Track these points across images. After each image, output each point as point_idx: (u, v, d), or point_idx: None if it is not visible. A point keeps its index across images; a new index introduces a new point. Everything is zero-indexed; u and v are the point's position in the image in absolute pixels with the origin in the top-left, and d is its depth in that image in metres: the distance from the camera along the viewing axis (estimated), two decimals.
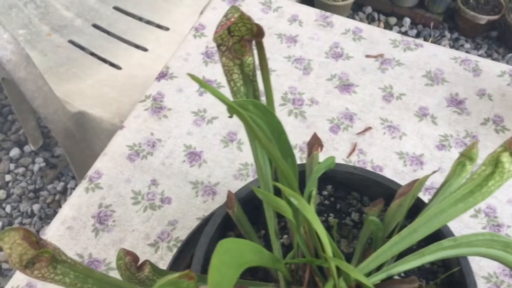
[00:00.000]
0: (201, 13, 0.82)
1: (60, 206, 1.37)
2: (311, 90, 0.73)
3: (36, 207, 1.36)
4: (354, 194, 0.48)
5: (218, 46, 0.39)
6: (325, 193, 0.48)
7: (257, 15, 0.82)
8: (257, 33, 0.39)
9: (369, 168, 0.66)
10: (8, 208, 1.36)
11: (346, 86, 0.74)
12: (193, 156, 0.66)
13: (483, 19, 1.78)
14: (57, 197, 1.38)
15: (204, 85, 0.33)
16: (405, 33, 1.88)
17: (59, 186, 1.40)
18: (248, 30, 0.39)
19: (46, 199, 1.38)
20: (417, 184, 0.44)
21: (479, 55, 1.82)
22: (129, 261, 0.37)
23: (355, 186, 0.48)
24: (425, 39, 1.85)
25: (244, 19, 0.38)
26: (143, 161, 0.65)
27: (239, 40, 0.40)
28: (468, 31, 1.85)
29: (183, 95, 0.72)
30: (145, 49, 1.19)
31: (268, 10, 0.82)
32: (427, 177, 0.44)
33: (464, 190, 0.40)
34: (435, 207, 0.39)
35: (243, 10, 0.81)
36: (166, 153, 0.66)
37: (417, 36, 1.87)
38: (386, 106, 0.72)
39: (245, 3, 0.83)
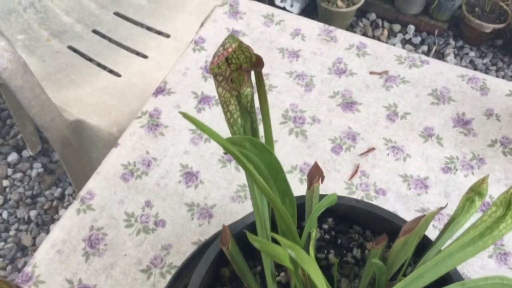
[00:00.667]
0: (202, 25, 0.79)
1: (57, 213, 1.35)
2: (313, 108, 0.71)
3: (33, 213, 1.34)
4: (356, 228, 0.46)
5: (215, 76, 0.36)
6: (325, 226, 0.45)
7: (259, 29, 0.79)
8: (256, 63, 0.36)
9: (371, 191, 0.63)
10: (5, 214, 1.34)
11: (349, 104, 0.71)
12: (190, 177, 0.63)
13: (489, 27, 1.75)
14: (54, 203, 1.36)
15: (197, 123, 0.30)
16: (409, 41, 1.85)
17: (57, 192, 1.37)
18: (247, 59, 0.37)
19: (44, 205, 1.36)
20: (422, 221, 0.41)
21: (484, 64, 1.79)
22: None
23: (358, 219, 0.45)
24: (430, 47, 1.82)
25: (243, 48, 0.35)
26: (138, 181, 0.62)
27: (237, 68, 0.38)
28: (473, 39, 1.82)
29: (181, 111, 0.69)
30: (145, 56, 1.17)
31: (270, 23, 0.80)
32: (434, 214, 0.41)
33: (473, 233, 0.37)
34: (443, 251, 0.36)
35: (244, 23, 0.79)
36: (161, 173, 0.63)
37: (422, 43, 1.84)
38: (390, 126, 0.69)
39: (247, 16, 0.80)
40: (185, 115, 0.30)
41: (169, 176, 0.63)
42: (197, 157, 0.65)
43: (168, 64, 1.08)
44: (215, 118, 0.69)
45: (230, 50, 0.34)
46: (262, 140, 0.39)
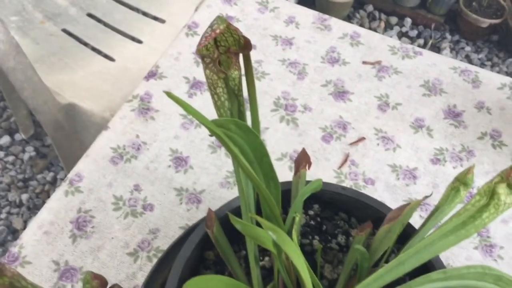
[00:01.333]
0: (196, 10, 0.78)
1: (49, 197, 1.34)
2: (304, 96, 0.71)
3: (24, 196, 1.33)
4: (341, 215, 0.46)
5: (202, 58, 0.36)
6: (311, 212, 0.45)
7: (253, 15, 0.78)
8: (245, 45, 0.36)
9: (360, 180, 0.63)
10: None
11: (341, 93, 0.71)
12: (179, 162, 0.63)
13: (485, 22, 1.75)
14: (46, 187, 1.36)
15: (183, 104, 0.30)
16: (405, 33, 1.84)
17: (49, 176, 1.37)
18: (235, 42, 0.36)
19: (35, 189, 1.35)
20: (407, 209, 0.41)
21: (479, 59, 1.79)
22: (97, 286, 0.35)
23: (343, 206, 0.45)
24: (426, 40, 1.82)
25: (231, 29, 0.35)
26: (127, 164, 0.62)
27: (225, 51, 0.37)
28: (469, 34, 1.82)
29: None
30: (139, 41, 1.16)
31: (264, 10, 0.79)
32: (418, 203, 0.41)
33: (456, 221, 0.37)
34: (425, 239, 0.37)
35: (238, 9, 0.78)
36: (151, 157, 0.63)
37: (418, 37, 1.84)
38: (381, 116, 0.69)
39: (241, 1, 0.80)
40: (170, 95, 0.30)
41: (159, 161, 0.63)
42: (187, 142, 0.65)
43: (162, 50, 1.07)
44: (206, 104, 0.68)
45: (218, 31, 0.34)
46: (250, 124, 0.39)
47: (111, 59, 1.12)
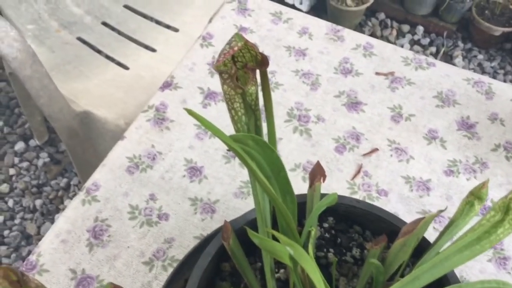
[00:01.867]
0: (210, 21, 0.79)
1: (62, 203, 1.36)
2: (318, 107, 0.71)
3: (38, 202, 1.35)
4: (356, 228, 0.46)
5: (220, 73, 0.37)
6: (326, 225, 0.46)
7: (266, 26, 0.79)
8: (262, 62, 0.37)
9: (373, 192, 0.63)
10: (10, 202, 1.35)
11: (354, 104, 0.72)
12: (194, 171, 0.64)
13: (498, 30, 1.74)
14: (60, 193, 1.37)
15: (201, 120, 0.31)
16: (418, 41, 1.84)
17: (63, 182, 1.39)
18: (253, 58, 0.37)
19: (49, 195, 1.37)
20: (422, 223, 0.42)
21: (492, 67, 1.78)
22: None
23: (358, 219, 0.46)
24: (438, 49, 1.82)
25: (249, 46, 0.36)
26: (142, 174, 0.63)
27: (243, 67, 0.38)
28: (482, 42, 1.81)
29: (186, 107, 0.70)
30: (153, 50, 1.17)
31: (278, 21, 0.80)
32: (433, 216, 0.41)
33: (471, 236, 0.37)
34: (440, 254, 0.37)
35: (252, 20, 0.79)
36: (166, 167, 0.64)
37: (430, 45, 1.83)
38: (394, 127, 0.70)
39: (255, 13, 0.81)
40: (190, 112, 0.31)
41: (174, 170, 0.64)
42: (201, 152, 0.66)
43: (175, 58, 1.08)
44: (221, 115, 0.69)
45: (236, 48, 0.35)
46: (266, 138, 0.40)
47: (125, 67, 1.13)
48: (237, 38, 0.35)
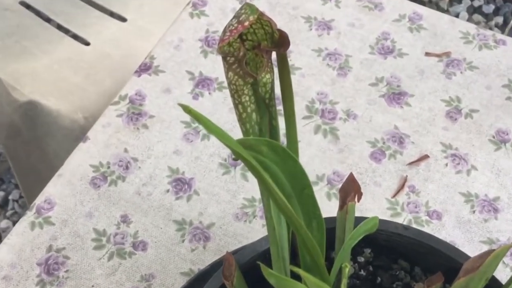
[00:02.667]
0: None
1: None
2: (347, 99, 0.72)
3: None
4: (401, 263, 0.47)
5: (224, 56, 0.37)
6: (361, 259, 0.46)
7: None
8: (280, 41, 0.37)
9: (422, 213, 0.64)
10: None
11: (396, 96, 0.72)
12: (181, 185, 0.65)
13: None
14: None
15: (203, 120, 0.32)
16: (478, 9, 1.85)
17: None
18: (267, 35, 0.38)
19: None
20: (491, 258, 0.42)
21: None
22: None
23: (404, 252, 0.46)
24: (506, 19, 1.83)
25: (263, 20, 0.36)
26: (112, 188, 0.64)
27: (254, 47, 0.39)
28: None
29: (171, 98, 0.71)
30: (123, 19, 1.18)
31: None
32: (506, 249, 0.42)
33: None
34: None
35: None
36: (143, 178, 0.65)
37: (495, 14, 1.84)
38: (450, 127, 0.70)
39: None
40: (186, 109, 0.32)
41: (154, 183, 0.64)
42: (191, 159, 0.66)
43: (154, 31, 1.09)
44: (217, 108, 0.70)
45: (246, 23, 0.35)
46: (284, 143, 0.41)
47: (85, 42, 1.14)
48: (249, 9, 0.35)
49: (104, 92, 1.04)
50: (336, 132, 0.69)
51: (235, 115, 0.40)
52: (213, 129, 0.31)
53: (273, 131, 0.39)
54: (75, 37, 1.15)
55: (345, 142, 0.69)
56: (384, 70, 0.75)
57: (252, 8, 0.35)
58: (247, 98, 0.38)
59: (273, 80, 0.38)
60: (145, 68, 0.73)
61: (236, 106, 0.39)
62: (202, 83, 0.72)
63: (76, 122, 1.03)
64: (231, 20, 0.36)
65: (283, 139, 0.45)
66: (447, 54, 0.76)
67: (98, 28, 1.16)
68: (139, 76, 0.72)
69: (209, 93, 0.71)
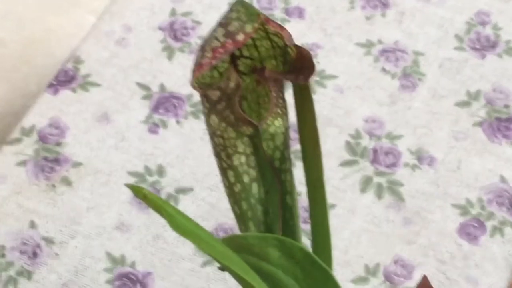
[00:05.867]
0: None
1: None
2: (417, 130, 0.72)
3: None
4: None
5: (203, 93, 0.37)
6: None
7: None
8: (298, 63, 0.37)
9: None
10: None
11: (503, 123, 0.73)
12: (129, 286, 0.65)
13: None
14: None
15: (157, 205, 0.32)
16: None
17: None
18: (276, 51, 0.38)
19: None
20: None
21: None
22: None
23: None
24: None
25: (269, 29, 0.36)
26: None
27: (253, 69, 0.39)
28: None
29: (109, 130, 0.71)
30: None
31: None
32: None
33: None
34: None
35: None
36: (64, 274, 0.65)
37: None
38: None
39: None
40: (139, 192, 0.33)
41: (82, 284, 0.65)
42: (146, 239, 0.67)
43: (76, 14, 1.10)
44: (191, 149, 0.70)
45: (241, 38, 0.35)
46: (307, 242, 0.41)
47: None
48: (244, 12, 0.35)
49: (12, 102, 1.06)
50: (399, 188, 0.70)
51: (223, 186, 0.40)
52: (185, 229, 0.32)
53: (288, 216, 0.40)
54: None
55: (415, 207, 0.69)
56: (481, 78, 0.75)
57: (249, 11, 0.35)
58: (243, 159, 0.39)
59: (287, 128, 0.39)
60: (65, 80, 0.73)
61: (224, 172, 0.39)
62: (164, 103, 0.73)
63: None
64: (215, 29, 0.36)
65: (304, 227, 0.45)
66: None
67: None
68: (55, 93, 0.73)
69: (177, 122, 0.72)
